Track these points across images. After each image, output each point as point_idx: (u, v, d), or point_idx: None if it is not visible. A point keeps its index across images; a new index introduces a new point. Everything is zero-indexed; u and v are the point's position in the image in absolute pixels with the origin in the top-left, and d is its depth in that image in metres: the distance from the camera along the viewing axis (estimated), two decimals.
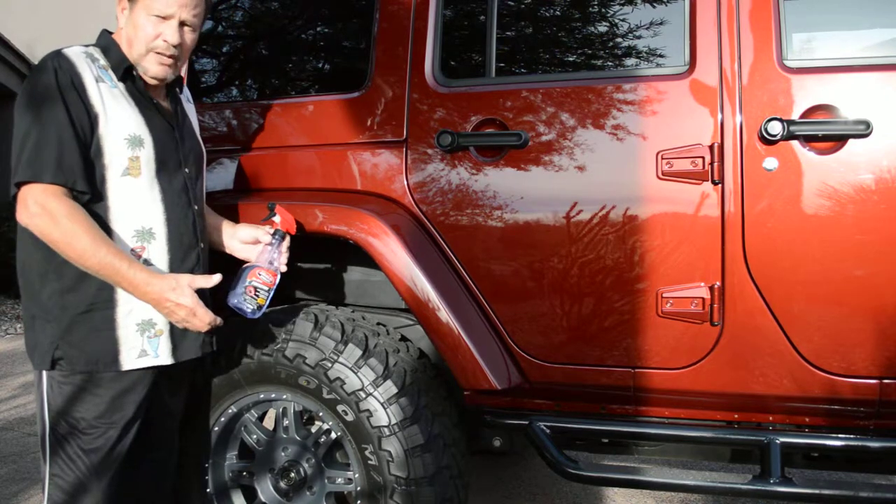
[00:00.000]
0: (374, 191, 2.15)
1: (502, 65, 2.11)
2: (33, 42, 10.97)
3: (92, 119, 1.70)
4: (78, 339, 1.72)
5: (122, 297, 1.75)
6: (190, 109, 2.02)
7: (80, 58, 1.73)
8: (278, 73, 2.47)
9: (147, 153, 1.77)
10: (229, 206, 2.16)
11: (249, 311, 1.88)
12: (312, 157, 2.24)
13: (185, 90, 2.03)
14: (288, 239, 1.97)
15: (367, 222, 2.02)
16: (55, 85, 1.67)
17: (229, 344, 2.14)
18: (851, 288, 1.80)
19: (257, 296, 1.87)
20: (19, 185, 1.67)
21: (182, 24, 1.78)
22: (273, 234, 1.95)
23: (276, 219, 1.98)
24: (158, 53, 1.77)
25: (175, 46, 1.77)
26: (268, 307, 1.92)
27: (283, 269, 1.94)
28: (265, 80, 2.48)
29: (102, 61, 1.77)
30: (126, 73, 1.78)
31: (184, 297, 1.74)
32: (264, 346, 2.11)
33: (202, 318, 1.77)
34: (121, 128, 1.74)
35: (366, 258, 2.07)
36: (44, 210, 1.64)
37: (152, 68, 1.79)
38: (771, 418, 1.96)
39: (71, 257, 1.67)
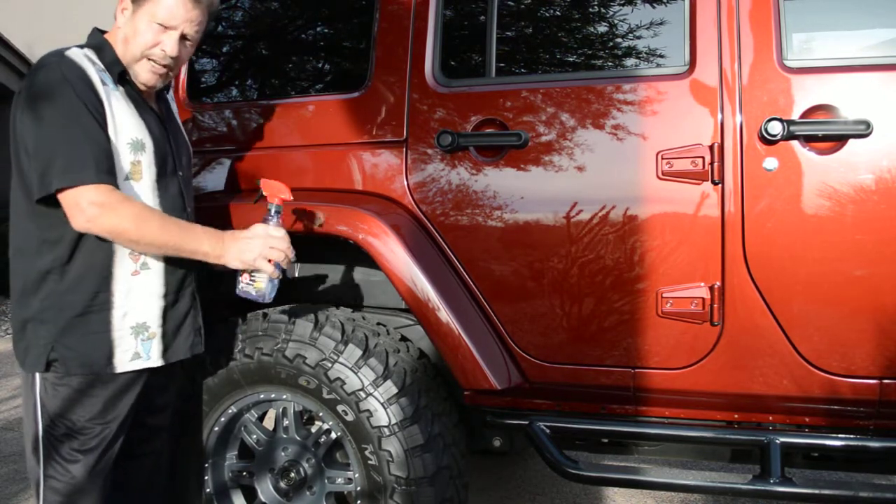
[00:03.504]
0: (375, 191, 2.15)
1: (502, 65, 2.11)
2: (33, 42, 10.97)
3: (104, 120, 1.69)
4: (73, 341, 1.72)
5: (118, 300, 1.75)
6: (174, 108, 2.01)
7: (83, 60, 1.71)
8: (278, 74, 2.47)
9: (147, 157, 1.77)
10: (228, 207, 2.16)
11: (254, 295, 1.85)
12: (313, 157, 2.24)
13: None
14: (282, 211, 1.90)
15: (368, 222, 2.02)
16: (69, 85, 1.64)
17: (229, 344, 2.15)
18: (851, 288, 1.80)
19: (253, 280, 1.84)
20: (58, 191, 1.63)
21: (183, 37, 1.78)
22: (267, 213, 1.89)
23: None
24: (152, 61, 1.76)
25: (172, 58, 1.77)
26: (276, 287, 1.88)
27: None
28: (265, 81, 2.48)
29: (100, 64, 1.75)
30: (121, 76, 1.77)
31: (255, 229, 1.81)
32: (264, 346, 2.11)
33: (276, 234, 1.81)
34: (125, 131, 1.73)
35: (366, 258, 2.07)
36: (103, 207, 1.63)
37: (143, 75, 1.78)
38: (771, 418, 1.96)
39: (146, 240, 1.69)
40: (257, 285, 1.85)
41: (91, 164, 1.63)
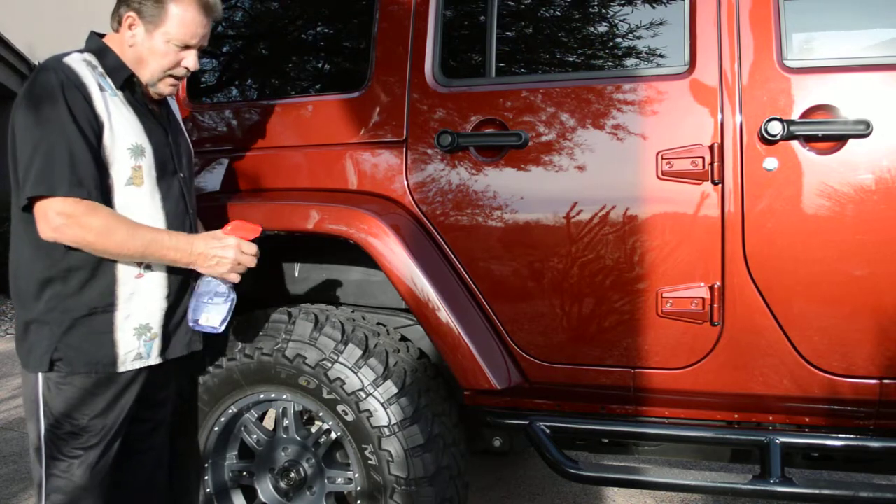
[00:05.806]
0: (374, 191, 2.15)
1: (502, 65, 2.11)
2: (33, 43, 10.98)
3: (98, 127, 1.69)
4: (77, 341, 1.72)
5: (121, 301, 1.76)
6: (174, 106, 2.02)
7: (81, 65, 1.71)
8: (278, 74, 2.47)
9: (148, 162, 1.78)
10: (228, 207, 2.16)
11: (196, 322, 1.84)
12: (312, 157, 2.24)
13: None
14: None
15: (367, 222, 2.02)
16: (61, 94, 1.64)
17: (229, 344, 2.15)
18: (851, 288, 1.80)
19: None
20: (32, 199, 1.64)
21: (200, 48, 1.83)
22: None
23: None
24: (174, 77, 1.82)
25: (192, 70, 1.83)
26: (228, 319, 1.85)
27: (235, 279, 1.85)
28: (265, 81, 2.48)
29: (100, 68, 1.75)
30: (126, 81, 1.77)
31: (228, 241, 1.80)
32: (264, 346, 2.10)
33: (248, 251, 1.81)
34: (124, 138, 1.73)
35: (366, 258, 2.07)
36: (69, 218, 1.63)
37: (166, 90, 1.84)
38: (771, 418, 1.96)
39: (111, 251, 1.69)
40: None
41: (65, 175, 1.62)
